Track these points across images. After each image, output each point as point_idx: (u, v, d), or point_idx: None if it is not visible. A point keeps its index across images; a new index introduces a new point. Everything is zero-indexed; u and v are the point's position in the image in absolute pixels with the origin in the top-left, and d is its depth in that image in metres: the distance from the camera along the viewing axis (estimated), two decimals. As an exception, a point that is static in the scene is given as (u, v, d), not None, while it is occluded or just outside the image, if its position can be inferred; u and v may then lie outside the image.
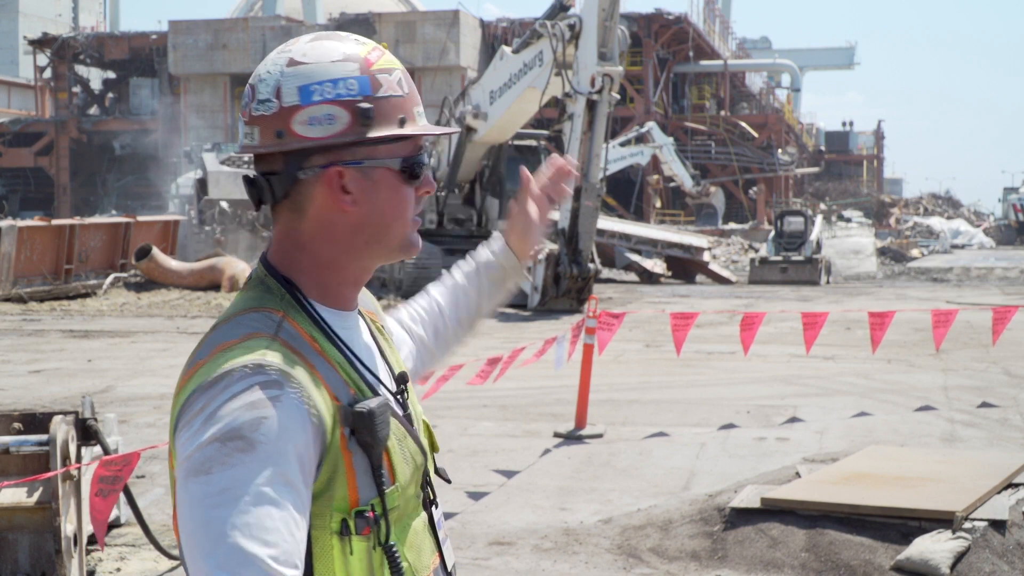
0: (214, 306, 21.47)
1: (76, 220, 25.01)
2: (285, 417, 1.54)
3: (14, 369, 13.71)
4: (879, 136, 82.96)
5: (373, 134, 1.68)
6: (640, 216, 47.14)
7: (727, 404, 11.08)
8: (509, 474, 8.42)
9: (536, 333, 16.26)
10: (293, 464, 1.54)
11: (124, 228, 25.27)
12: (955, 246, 50.84)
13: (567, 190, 2.36)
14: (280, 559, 1.49)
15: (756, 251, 34.90)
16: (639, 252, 30.68)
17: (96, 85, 58.36)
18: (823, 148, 75.78)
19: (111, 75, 57.90)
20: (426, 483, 1.78)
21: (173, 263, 24.35)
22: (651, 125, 46.11)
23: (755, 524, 6.36)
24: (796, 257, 30.39)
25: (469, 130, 22.64)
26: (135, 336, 17.14)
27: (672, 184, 49.56)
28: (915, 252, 42.95)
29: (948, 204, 75.00)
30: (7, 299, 21.74)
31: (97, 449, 5.93)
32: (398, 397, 1.78)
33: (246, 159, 1.76)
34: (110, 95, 57.64)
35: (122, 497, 6.46)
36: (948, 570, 5.67)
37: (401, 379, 1.80)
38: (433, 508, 1.79)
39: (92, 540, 6.48)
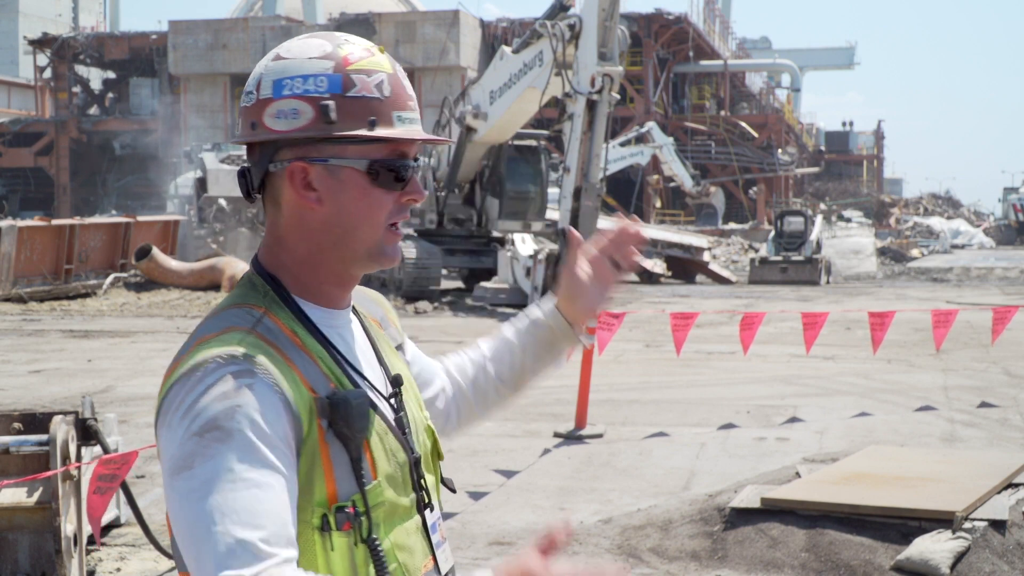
0: (214, 306, 21.49)
1: (76, 220, 25.02)
2: (259, 403, 1.56)
3: (14, 369, 13.71)
4: (879, 136, 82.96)
5: (338, 133, 1.68)
6: (640, 216, 47.07)
7: (727, 404, 11.08)
8: (509, 474, 8.42)
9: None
10: (273, 447, 1.56)
11: (124, 228, 25.28)
12: (955, 246, 50.85)
13: (635, 256, 2.13)
14: (272, 540, 1.50)
15: (756, 251, 34.90)
16: (639, 252, 30.65)
17: (96, 85, 58.35)
18: (823, 148, 75.78)
19: (111, 75, 57.90)
20: (419, 486, 1.77)
21: (173, 263, 24.35)
22: (651, 125, 46.12)
23: (755, 524, 6.36)
24: (796, 257, 30.40)
25: (469, 130, 22.63)
26: (135, 336, 17.14)
27: (672, 184, 49.58)
28: (915, 252, 42.96)
29: (948, 204, 75.00)
30: (7, 299, 21.74)
31: (97, 449, 5.93)
32: (391, 400, 1.78)
33: (244, 156, 1.78)
34: (110, 95, 57.64)
35: (122, 497, 6.47)
36: (948, 570, 5.67)
37: (395, 382, 1.80)
38: (428, 511, 1.78)
39: (92, 540, 6.48)
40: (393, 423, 1.75)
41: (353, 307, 1.85)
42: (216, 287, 23.72)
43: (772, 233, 32.64)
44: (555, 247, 20.85)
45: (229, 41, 49.07)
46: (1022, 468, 6.89)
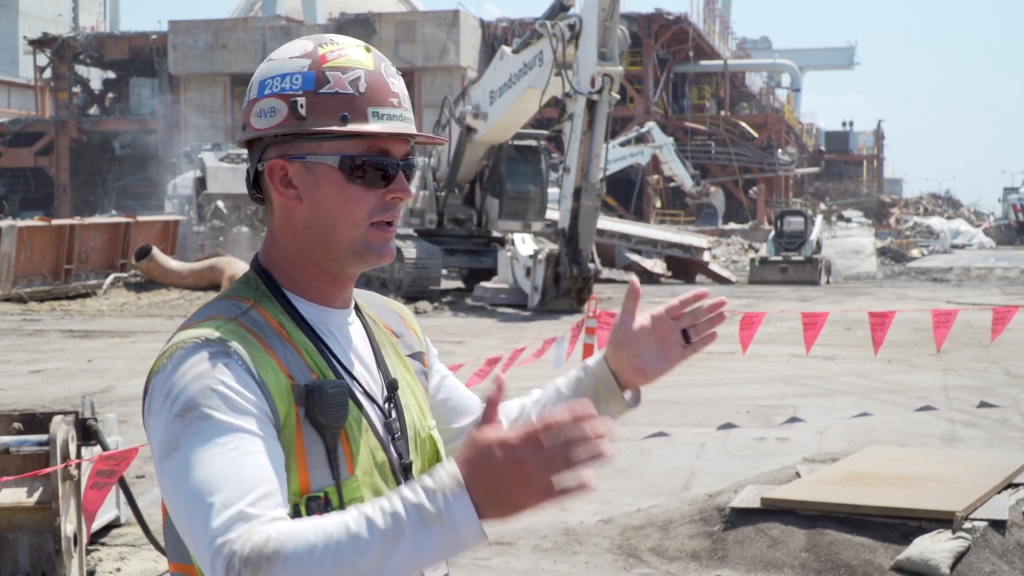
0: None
1: (76, 220, 25.02)
2: (235, 378, 1.59)
3: (14, 369, 13.71)
4: (879, 136, 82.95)
5: (309, 128, 1.70)
6: (640, 216, 47.13)
7: (727, 404, 11.08)
8: (509, 474, 8.41)
9: (536, 333, 16.25)
10: (253, 416, 1.58)
11: (124, 228, 25.28)
12: (955, 246, 50.85)
13: (712, 334, 1.94)
14: (259, 502, 1.50)
15: (756, 251, 34.91)
16: (639, 252, 30.70)
17: (96, 85, 58.35)
18: (823, 148, 75.78)
19: (111, 75, 57.90)
20: None
21: (173, 263, 24.36)
22: (651, 125, 46.13)
23: (755, 524, 6.36)
24: (796, 257, 30.41)
25: (469, 130, 22.64)
26: (135, 336, 17.14)
27: (672, 184, 49.57)
28: (915, 252, 42.96)
29: (948, 204, 75.02)
30: (7, 299, 21.74)
31: (97, 449, 5.93)
32: (384, 404, 1.78)
33: (244, 155, 1.81)
34: (110, 95, 57.64)
35: (122, 497, 6.47)
36: (948, 570, 5.67)
37: (391, 387, 1.80)
38: None
39: (92, 540, 6.48)
40: (378, 424, 1.75)
41: (359, 310, 1.85)
42: (216, 287, 23.71)
43: (772, 233, 32.64)
44: (555, 247, 20.85)
45: (229, 41, 49.07)
46: (1022, 468, 6.89)
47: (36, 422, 5.81)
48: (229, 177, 29.41)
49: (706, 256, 32.00)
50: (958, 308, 12.70)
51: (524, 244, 22.00)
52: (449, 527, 1.41)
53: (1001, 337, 11.02)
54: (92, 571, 6.15)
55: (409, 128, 1.75)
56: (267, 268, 1.78)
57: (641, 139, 45.42)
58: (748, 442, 9.42)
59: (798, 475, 7.17)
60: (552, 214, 23.81)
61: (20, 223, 23.29)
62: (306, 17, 51.29)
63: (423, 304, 21.33)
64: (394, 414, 1.78)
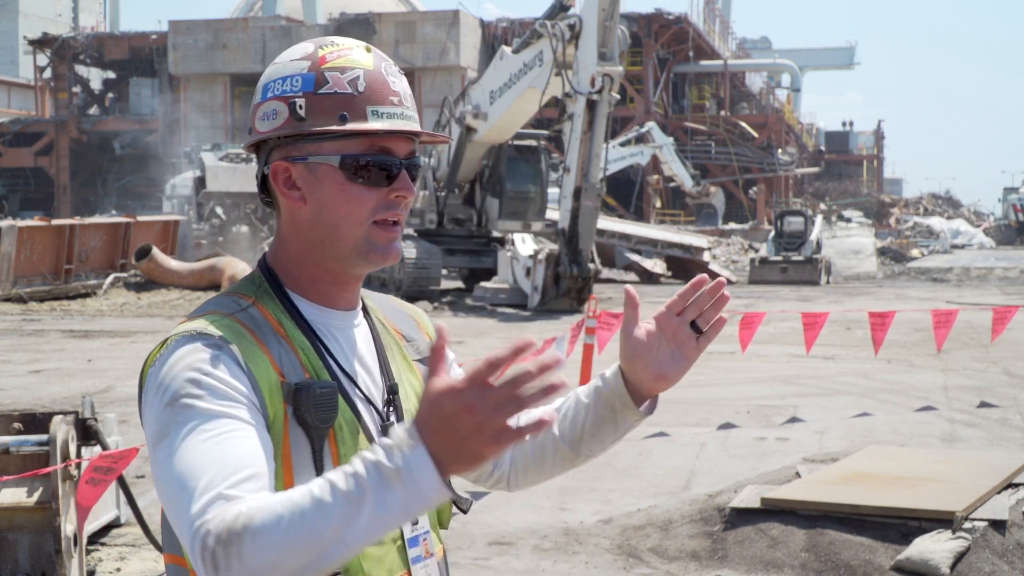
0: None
1: (76, 220, 25.02)
2: (224, 368, 1.60)
3: (14, 369, 13.71)
4: (879, 136, 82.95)
5: (309, 129, 1.71)
6: (640, 216, 47.13)
7: (727, 404, 11.08)
8: (509, 474, 8.41)
9: (536, 333, 16.21)
10: (243, 406, 1.58)
11: (124, 228, 25.28)
12: (955, 246, 50.86)
13: (719, 318, 1.85)
14: (240, 484, 1.48)
15: (756, 251, 34.92)
16: (639, 252, 30.70)
17: (96, 85, 58.33)
18: (823, 148, 75.76)
19: (111, 75, 57.88)
20: None
21: (173, 263, 24.36)
22: (651, 125, 46.12)
23: (755, 524, 6.36)
24: (796, 257, 30.41)
25: (469, 130, 22.64)
26: (135, 336, 17.14)
27: (672, 184, 49.56)
28: (915, 252, 42.96)
29: (948, 204, 75.01)
30: (7, 299, 21.74)
31: (97, 449, 5.93)
32: (383, 409, 1.77)
33: (247, 155, 1.82)
34: (110, 95, 57.63)
35: (122, 497, 6.47)
36: (948, 570, 5.67)
37: (391, 390, 1.79)
38: (408, 524, 1.75)
39: (92, 540, 6.48)
40: (373, 427, 1.74)
41: (367, 313, 1.85)
42: (216, 287, 23.71)
43: (772, 233, 32.65)
44: (555, 247, 20.85)
45: (229, 41, 49.06)
46: (1022, 468, 6.89)
47: (36, 422, 5.82)
48: (228, 176, 29.45)
49: (706, 256, 32.01)
50: (958, 308, 12.70)
51: (524, 244, 22.01)
52: (408, 483, 1.39)
53: (1001, 337, 11.03)
54: (92, 571, 6.15)
55: (411, 126, 1.75)
56: (272, 267, 1.79)
57: (641, 139, 45.41)
58: (748, 442, 9.42)
59: (798, 475, 7.17)
60: (552, 214, 23.81)
61: (20, 223, 23.29)
62: (306, 17, 51.27)
63: (423, 304, 21.32)
64: (392, 418, 1.77)
